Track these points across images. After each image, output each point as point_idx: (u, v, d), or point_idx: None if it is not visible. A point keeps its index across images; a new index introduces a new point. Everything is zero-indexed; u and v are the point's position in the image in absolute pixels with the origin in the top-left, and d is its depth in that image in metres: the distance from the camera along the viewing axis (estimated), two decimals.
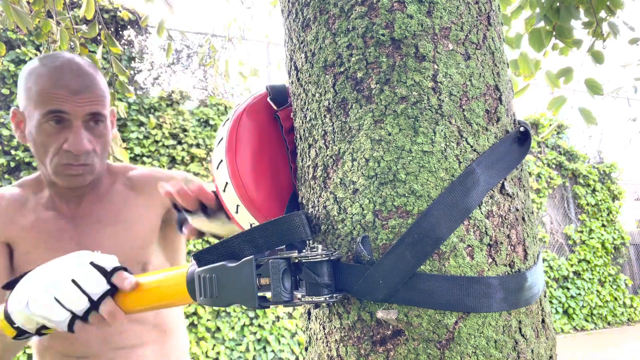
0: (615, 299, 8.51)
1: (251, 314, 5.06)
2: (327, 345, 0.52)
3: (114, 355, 1.03)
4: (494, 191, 0.50)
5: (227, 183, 0.65)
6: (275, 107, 0.67)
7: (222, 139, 0.67)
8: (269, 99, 0.67)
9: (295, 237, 0.52)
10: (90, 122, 1.00)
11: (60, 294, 0.64)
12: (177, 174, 1.16)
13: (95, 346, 1.02)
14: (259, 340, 5.06)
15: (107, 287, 0.67)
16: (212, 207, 0.74)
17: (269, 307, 0.53)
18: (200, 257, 0.56)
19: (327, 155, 0.53)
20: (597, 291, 8.31)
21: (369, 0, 0.52)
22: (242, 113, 0.67)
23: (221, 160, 0.66)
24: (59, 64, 1.00)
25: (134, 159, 4.84)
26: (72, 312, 0.65)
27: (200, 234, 0.82)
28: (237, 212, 0.65)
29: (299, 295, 0.50)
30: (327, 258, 0.48)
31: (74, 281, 0.65)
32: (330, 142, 0.53)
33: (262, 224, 0.53)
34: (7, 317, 0.69)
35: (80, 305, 0.64)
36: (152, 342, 1.07)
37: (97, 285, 0.66)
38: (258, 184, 0.64)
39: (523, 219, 0.52)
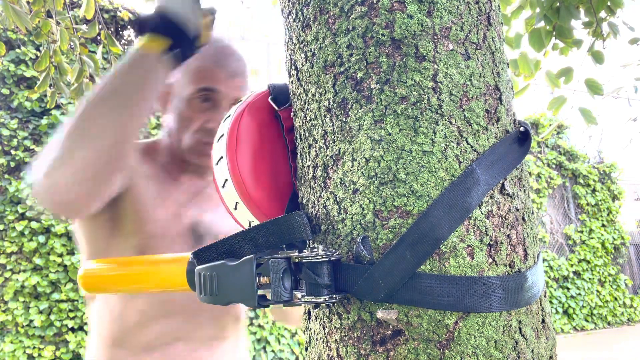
0: (615, 299, 8.51)
1: (251, 314, 5.06)
2: (327, 345, 0.52)
3: (196, 346, 1.00)
4: (494, 191, 0.50)
5: (226, 180, 0.64)
6: (276, 107, 0.67)
7: (222, 136, 0.66)
8: (270, 99, 0.67)
9: (295, 237, 0.52)
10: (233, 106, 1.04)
11: None
12: None
13: (178, 335, 0.99)
14: (259, 340, 5.06)
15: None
16: None
17: (268, 307, 0.53)
18: (200, 255, 0.56)
19: (327, 155, 0.53)
20: (597, 291, 8.32)
21: (369, 0, 0.52)
22: (244, 111, 0.67)
23: (221, 157, 0.65)
24: (221, 45, 1.04)
25: None
26: None
27: None
28: (235, 208, 0.65)
29: (299, 295, 0.50)
30: (327, 258, 0.48)
31: None
32: (330, 142, 0.53)
33: (263, 223, 0.53)
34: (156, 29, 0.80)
35: None
36: (230, 335, 1.06)
37: None
38: (257, 181, 0.64)
39: (523, 219, 0.52)
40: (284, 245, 0.56)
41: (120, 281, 0.69)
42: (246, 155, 0.64)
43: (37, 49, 4.64)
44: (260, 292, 0.51)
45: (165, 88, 1.06)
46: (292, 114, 0.63)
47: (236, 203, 0.64)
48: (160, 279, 0.66)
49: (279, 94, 0.67)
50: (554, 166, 8.47)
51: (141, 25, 0.81)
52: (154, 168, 1.05)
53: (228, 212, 0.69)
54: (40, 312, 4.32)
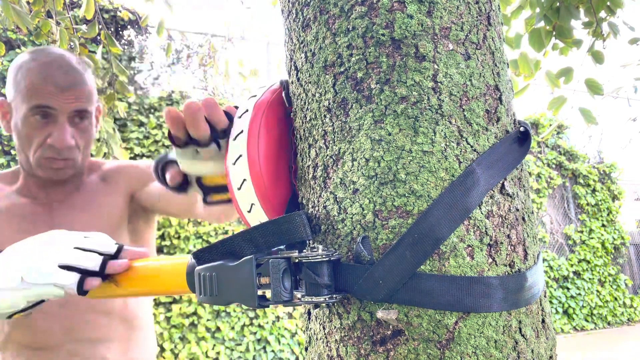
0: (615, 299, 8.51)
1: (251, 314, 5.06)
2: (327, 345, 0.52)
3: (76, 347, 1.03)
4: (494, 191, 0.50)
5: (244, 180, 0.59)
6: (288, 105, 0.63)
7: (241, 132, 0.60)
8: (284, 94, 0.63)
9: (295, 237, 0.52)
10: (75, 118, 1.04)
11: (67, 258, 0.64)
12: (142, 162, 1.23)
13: (57, 337, 1.02)
14: (259, 340, 5.06)
15: (116, 246, 0.68)
16: (220, 134, 0.65)
17: (268, 307, 0.53)
18: (200, 256, 0.56)
19: (327, 155, 0.53)
20: (597, 291, 8.31)
21: (368, 0, 0.52)
22: (266, 106, 0.62)
23: (240, 155, 0.60)
24: (49, 59, 1.03)
25: (134, 159, 4.85)
26: (84, 271, 0.64)
27: (182, 184, 0.72)
28: (250, 211, 0.61)
29: (299, 295, 0.50)
30: (327, 258, 0.48)
31: (77, 247, 0.66)
32: (330, 142, 0.53)
33: (263, 223, 0.53)
34: None
35: (95, 261, 0.65)
36: (118, 337, 1.07)
37: (106, 246, 0.67)
38: (277, 183, 0.60)
39: (523, 219, 0.52)
40: (283, 246, 0.56)
41: (120, 286, 0.69)
42: (268, 155, 0.60)
43: None
44: (260, 292, 0.51)
45: (4, 108, 1.08)
46: (292, 113, 0.63)
47: (252, 205, 0.60)
48: (160, 282, 0.66)
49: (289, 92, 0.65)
50: (554, 166, 8.47)
51: None
52: (5, 200, 1.08)
53: (239, 213, 0.64)
54: None
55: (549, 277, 7.86)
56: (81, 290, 0.64)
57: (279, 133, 0.62)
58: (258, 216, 0.61)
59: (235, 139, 0.61)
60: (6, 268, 0.64)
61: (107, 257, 0.67)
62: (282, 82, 0.65)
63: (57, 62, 1.03)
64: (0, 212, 1.06)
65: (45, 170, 1.04)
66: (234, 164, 0.60)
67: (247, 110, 0.62)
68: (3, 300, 0.63)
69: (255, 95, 0.64)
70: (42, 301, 0.69)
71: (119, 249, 0.69)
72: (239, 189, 0.60)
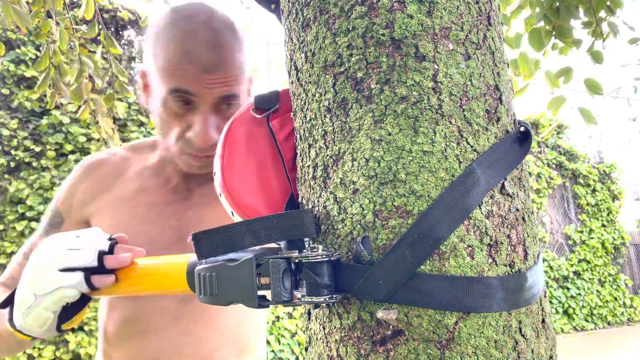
0: (615, 299, 8.51)
1: None
2: (327, 345, 0.52)
3: None
4: (494, 191, 0.50)
5: (220, 193, 0.66)
6: (257, 115, 0.67)
7: (216, 151, 0.68)
8: (251, 110, 0.68)
9: (301, 234, 0.51)
10: (222, 104, 0.84)
11: (64, 261, 0.65)
12: None
13: (167, 352, 0.92)
14: None
15: (109, 242, 0.68)
16: None
17: (268, 307, 0.52)
18: (200, 238, 0.54)
19: (327, 155, 0.53)
20: (597, 291, 8.32)
21: (369, 0, 0.52)
22: (232, 124, 0.67)
23: (215, 172, 0.67)
24: (193, 26, 0.81)
25: None
26: (84, 268, 0.65)
27: None
28: (233, 215, 0.67)
29: (299, 295, 0.50)
30: (327, 258, 0.48)
31: (70, 249, 0.66)
32: (330, 142, 0.53)
33: (267, 216, 0.52)
34: (18, 330, 0.70)
35: (90, 257, 0.65)
36: (227, 356, 0.95)
37: (100, 242, 0.67)
38: (247, 195, 0.65)
39: (523, 219, 0.52)
40: (282, 244, 0.55)
41: (120, 284, 0.69)
42: (234, 170, 0.65)
43: (37, 49, 4.64)
44: (260, 292, 0.50)
45: (146, 78, 0.91)
46: (292, 114, 0.63)
47: (232, 212, 0.66)
48: (160, 281, 0.66)
49: (262, 102, 0.67)
50: (554, 166, 8.47)
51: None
52: (133, 182, 0.95)
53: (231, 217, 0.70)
54: None
55: (549, 277, 7.86)
56: (91, 285, 0.65)
57: (251, 148, 0.66)
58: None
59: (216, 154, 0.67)
60: (21, 292, 0.67)
61: (102, 252, 0.68)
62: (255, 97, 0.68)
63: (203, 32, 0.80)
64: (126, 198, 0.93)
65: (184, 164, 0.88)
66: (215, 176, 0.67)
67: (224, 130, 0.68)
68: (34, 320, 0.66)
69: (236, 112, 0.70)
70: (86, 299, 0.70)
71: (113, 244, 0.70)
72: (220, 196, 0.66)
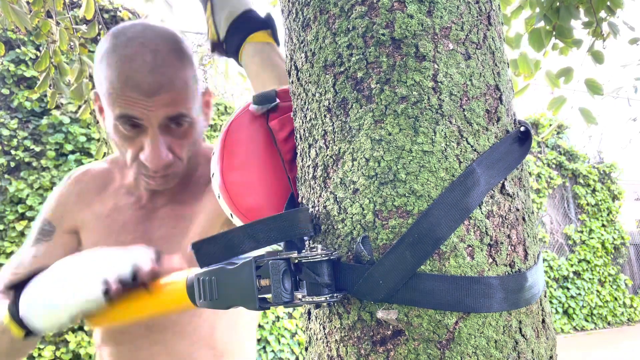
0: (615, 299, 8.51)
1: None
2: (327, 345, 0.52)
3: None
4: (494, 191, 0.50)
5: (219, 194, 0.66)
6: (255, 109, 0.68)
7: (215, 152, 0.68)
8: (250, 107, 0.68)
9: (298, 233, 0.51)
10: (170, 124, 0.84)
11: (100, 269, 0.68)
12: None
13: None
14: (259, 340, 5.06)
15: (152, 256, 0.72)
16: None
17: (269, 309, 0.52)
18: (200, 246, 0.55)
19: (327, 155, 0.53)
20: (597, 291, 8.32)
21: (368, 0, 0.52)
22: (230, 125, 0.68)
23: (213, 173, 0.67)
24: (132, 50, 0.80)
25: None
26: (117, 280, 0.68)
27: None
28: (232, 217, 0.67)
29: (299, 296, 0.50)
30: (327, 258, 0.48)
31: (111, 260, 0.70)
32: (330, 142, 0.53)
33: (265, 219, 0.52)
34: (16, 319, 0.70)
35: (125, 269, 0.68)
36: None
37: (138, 257, 0.70)
38: (247, 195, 0.65)
39: (523, 219, 0.52)
40: (282, 247, 0.55)
41: (122, 312, 0.69)
42: (233, 171, 0.65)
43: (37, 49, 4.64)
44: (260, 294, 0.50)
45: (97, 102, 0.91)
46: (292, 113, 0.63)
47: (231, 214, 0.66)
48: (163, 300, 0.67)
49: (261, 100, 0.68)
50: (554, 166, 8.47)
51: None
52: (111, 199, 0.97)
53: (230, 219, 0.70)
54: None
55: (549, 277, 7.86)
56: (109, 298, 0.68)
57: (250, 149, 0.67)
58: (239, 223, 0.66)
59: (212, 156, 0.68)
60: (45, 287, 0.69)
61: (137, 267, 0.70)
62: (254, 96, 0.68)
63: (141, 56, 0.79)
64: (102, 218, 0.95)
65: (145, 184, 0.89)
66: (213, 177, 0.68)
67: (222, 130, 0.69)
68: (50, 317, 0.69)
69: (233, 113, 0.71)
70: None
71: (158, 257, 0.73)
72: (219, 198, 0.67)
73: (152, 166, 0.83)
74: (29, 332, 0.71)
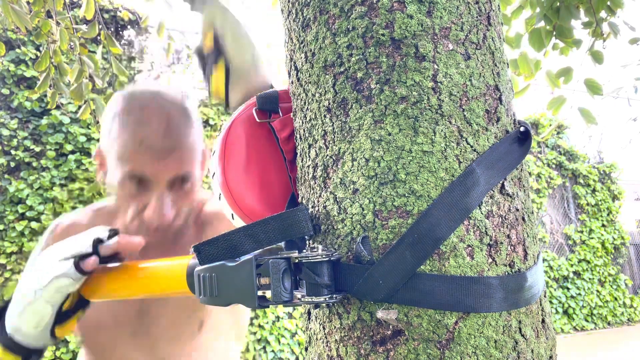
0: (615, 299, 8.51)
1: (251, 314, 5.06)
2: (327, 345, 0.52)
3: None
4: (494, 191, 0.50)
5: (220, 194, 0.66)
6: (258, 119, 0.67)
7: (215, 152, 0.68)
8: (254, 110, 0.68)
9: (297, 233, 0.52)
10: (175, 183, 0.90)
11: (62, 251, 0.67)
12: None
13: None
14: (259, 340, 5.06)
15: (108, 232, 0.71)
16: None
17: (268, 307, 0.53)
18: (201, 249, 0.55)
19: (327, 155, 0.53)
20: (597, 291, 8.32)
21: (369, 0, 0.52)
22: (231, 126, 0.68)
23: (214, 173, 0.67)
24: (147, 116, 0.87)
25: None
26: (79, 256, 0.67)
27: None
28: (233, 218, 0.67)
29: (299, 295, 0.50)
30: (327, 258, 0.48)
31: (70, 240, 0.69)
32: (330, 142, 0.53)
33: (264, 219, 0.53)
34: (8, 345, 0.69)
35: (85, 244, 0.67)
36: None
37: (97, 233, 0.70)
38: (247, 195, 0.65)
39: (523, 219, 0.52)
40: (283, 246, 0.56)
41: (120, 286, 0.69)
42: (235, 170, 0.66)
43: (37, 49, 4.64)
44: (260, 292, 0.50)
45: (102, 158, 0.95)
46: (292, 114, 0.63)
47: (232, 214, 0.66)
48: (160, 282, 0.66)
49: (266, 103, 0.68)
50: (554, 166, 8.47)
51: None
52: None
53: (231, 221, 0.70)
54: None
55: (549, 277, 7.86)
56: (81, 271, 0.67)
57: (251, 148, 0.67)
58: (241, 223, 0.67)
59: (212, 156, 0.68)
60: (20, 291, 0.69)
61: (98, 240, 0.70)
62: (257, 97, 0.69)
63: (156, 118, 0.86)
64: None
65: (143, 235, 0.89)
66: (213, 178, 0.68)
67: (222, 131, 0.69)
68: (32, 315, 0.67)
69: (235, 112, 0.70)
70: (83, 303, 0.71)
71: (112, 235, 0.72)
72: (219, 199, 0.67)
73: (157, 222, 0.87)
74: (27, 356, 0.70)
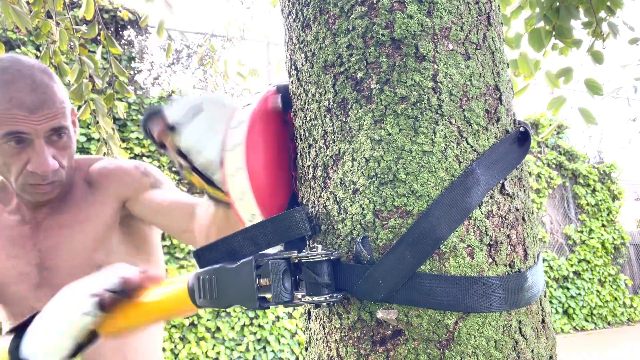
0: (615, 299, 8.51)
1: (251, 314, 5.06)
2: (327, 345, 0.52)
3: None
4: (494, 191, 0.50)
5: (244, 192, 0.61)
6: (283, 111, 0.64)
7: (238, 144, 0.61)
8: (279, 101, 0.64)
9: (295, 234, 0.52)
10: (52, 136, 0.96)
11: (93, 287, 0.66)
12: (133, 168, 1.11)
13: None
14: (259, 340, 5.06)
15: (135, 269, 0.70)
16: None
17: (269, 308, 0.53)
18: (201, 254, 0.56)
19: (327, 155, 0.53)
20: (597, 291, 8.31)
21: (368, 0, 0.52)
22: (262, 117, 0.63)
23: (239, 168, 0.61)
24: (10, 77, 0.93)
25: (133, 159, 4.85)
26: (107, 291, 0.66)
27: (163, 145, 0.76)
28: (251, 220, 0.63)
29: (299, 296, 0.50)
30: (327, 258, 0.48)
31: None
32: (330, 142, 0.53)
33: (262, 222, 0.53)
34: None
35: (112, 281, 0.67)
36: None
37: (124, 271, 0.69)
38: (277, 191, 0.62)
39: (523, 219, 0.52)
40: (282, 247, 0.55)
41: (133, 321, 0.69)
42: (267, 166, 0.61)
43: (37, 49, 4.64)
44: (260, 293, 0.50)
45: None
46: (292, 113, 0.63)
47: (252, 215, 0.62)
48: (166, 306, 0.66)
49: (286, 96, 0.64)
50: (554, 166, 8.47)
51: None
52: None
53: (241, 222, 0.65)
54: None
55: (549, 277, 7.86)
56: (102, 308, 0.66)
57: (277, 141, 0.64)
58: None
59: (232, 150, 0.61)
60: (46, 320, 0.67)
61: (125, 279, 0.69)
62: (278, 88, 0.65)
63: (20, 80, 0.92)
64: None
65: (31, 195, 0.99)
66: (234, 176, 0.61)
67: (243, 122, 0.62)
68: (52, 346, 0.65)
69: (250, 104, 0.64)
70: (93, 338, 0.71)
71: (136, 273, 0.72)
72: (241, 199, 0.61)
73: (41, 172, 0.94)
74: None
